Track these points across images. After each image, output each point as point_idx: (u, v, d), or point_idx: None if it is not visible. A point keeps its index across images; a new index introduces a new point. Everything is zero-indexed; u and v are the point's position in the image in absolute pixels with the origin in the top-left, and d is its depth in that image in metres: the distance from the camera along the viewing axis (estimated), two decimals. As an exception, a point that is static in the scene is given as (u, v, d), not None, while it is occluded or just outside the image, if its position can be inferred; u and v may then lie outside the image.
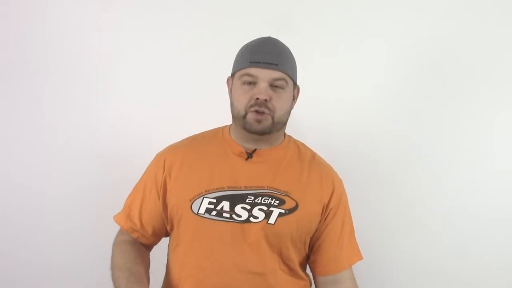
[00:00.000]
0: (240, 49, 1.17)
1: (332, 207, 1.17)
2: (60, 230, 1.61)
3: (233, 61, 1.17)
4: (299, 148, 1.23)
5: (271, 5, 1.58)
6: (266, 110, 1.08)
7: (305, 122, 1.52)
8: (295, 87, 1.18)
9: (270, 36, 1.16)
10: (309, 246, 1.19)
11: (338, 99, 1.61)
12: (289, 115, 1.17)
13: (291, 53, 1.16)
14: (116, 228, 1.20)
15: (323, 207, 1.16)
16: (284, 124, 1.16)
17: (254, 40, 1.17)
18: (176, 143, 1.23)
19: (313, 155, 1.24)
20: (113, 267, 1.11)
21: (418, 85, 1.60)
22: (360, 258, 1.21)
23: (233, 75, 1.17)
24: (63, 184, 1.61)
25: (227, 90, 1.19)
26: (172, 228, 1.17)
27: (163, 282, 1.20)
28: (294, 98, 1.19)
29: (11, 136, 1.61)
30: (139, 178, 1.22)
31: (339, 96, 1.61)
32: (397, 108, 1.62)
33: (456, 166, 1.60)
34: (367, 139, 1.61)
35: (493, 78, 1.58)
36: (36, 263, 1.61)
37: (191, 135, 1.25)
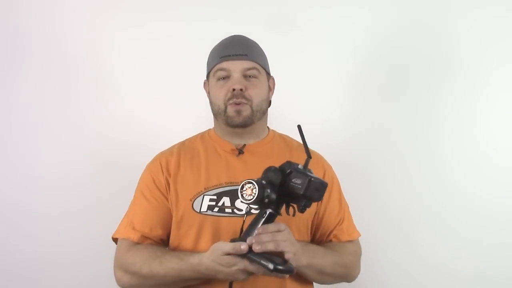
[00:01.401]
0: (210, 51, 1.21)
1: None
2: (60, 229, 1.55)
3: None
4: (285, 139, 1.27)
5: (271, 6, 1.64)
6: (243, 100, 1.12)
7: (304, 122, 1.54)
8: (269, 77, 1.22)
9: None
10: (311, 231, 1.20)
11: (331, 97, 1.66)
12: (267, 104, 1.21)
13: (259, 46, 1.22)
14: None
15: None
16: (264, 113, 1.20)
17: (221, 40, 1.21)
18: (165, 150, 1.23)
19: (299, 144, 1.26)
20: (142, 266, 1.05)
21: (413, 84, 1.66)
22: (359, 234, 1.24)
23: (208, 76, 1.21)
24: (62, 184, 1.57)
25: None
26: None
27: None
28: (271, 89, 1.23)
29: (10, 136, 1.57)
30: (134, 191, 1.19)
31: (332, 95, 1.66)
32: (391, 108, 1.66)
33: (453, 163, 1.63)
34: (365, 137, 1.65)
35: (483, 76, 1.64)
36: (36, 263, 1.55)
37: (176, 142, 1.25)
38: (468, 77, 1.64)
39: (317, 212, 1.19)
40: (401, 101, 1.66)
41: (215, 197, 1.10)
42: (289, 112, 1.48)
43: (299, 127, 1.02)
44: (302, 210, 0.93)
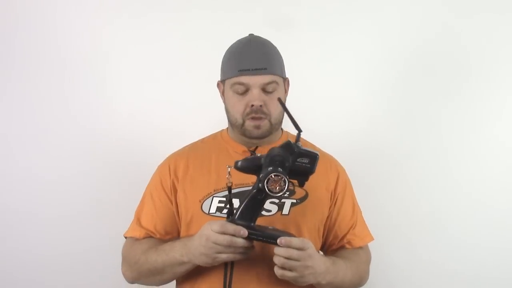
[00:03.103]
0: (226, 55, 1.17)
1: (340, 192, 1.19)
2: (61, 231, 1.57)
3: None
4: None
5: (272, 5, 1.64)
6: (262, 115, 1.11)
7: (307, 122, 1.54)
8: (285, 81, 1.20)
9: (252, 34, 1.18)
10: (322, 234, 1.19)
11: (335, 98, 1.65)
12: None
13: (276, 49, 1.17)
14: (118, 230, 1.19)
15: (331, 193, 1.18)
16: (281, 122, 1.19)
17: (238, 43, 1.16)
18: (177, 151, 1.23)
19: (312, 146, 1.25)
20: (140, 257, 1.07)
21: (416, 85, 1.65)
22: (372, 238, 1.23)
23: (223, 82, 1.17)
24: (64, 185, 1.58)
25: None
26: (181, 230, 1.15)
27: (176, 285, 1.17)
28: (286, 91, 1.21)
29: (10, 138, 1.58)
30: (143, 191, 1.21)
31: (336, 96, 1.65)
32: (394, 108, 1.66)
33: (453, 164, 1.63)
34: (367, 138, 1.65)
35: (490, 78, 1.62)
36: (37, 266, 1.57)
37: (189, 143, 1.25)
38: (479, 79, 1.63)
39: (330, 216, 1.18)
40: (413, 106, 1.65)
41: (224, 198, 1.09)
42: (304, 114, 1.46)
43: (279, 99, 1.06)
44: (303, 185, 0.99)
